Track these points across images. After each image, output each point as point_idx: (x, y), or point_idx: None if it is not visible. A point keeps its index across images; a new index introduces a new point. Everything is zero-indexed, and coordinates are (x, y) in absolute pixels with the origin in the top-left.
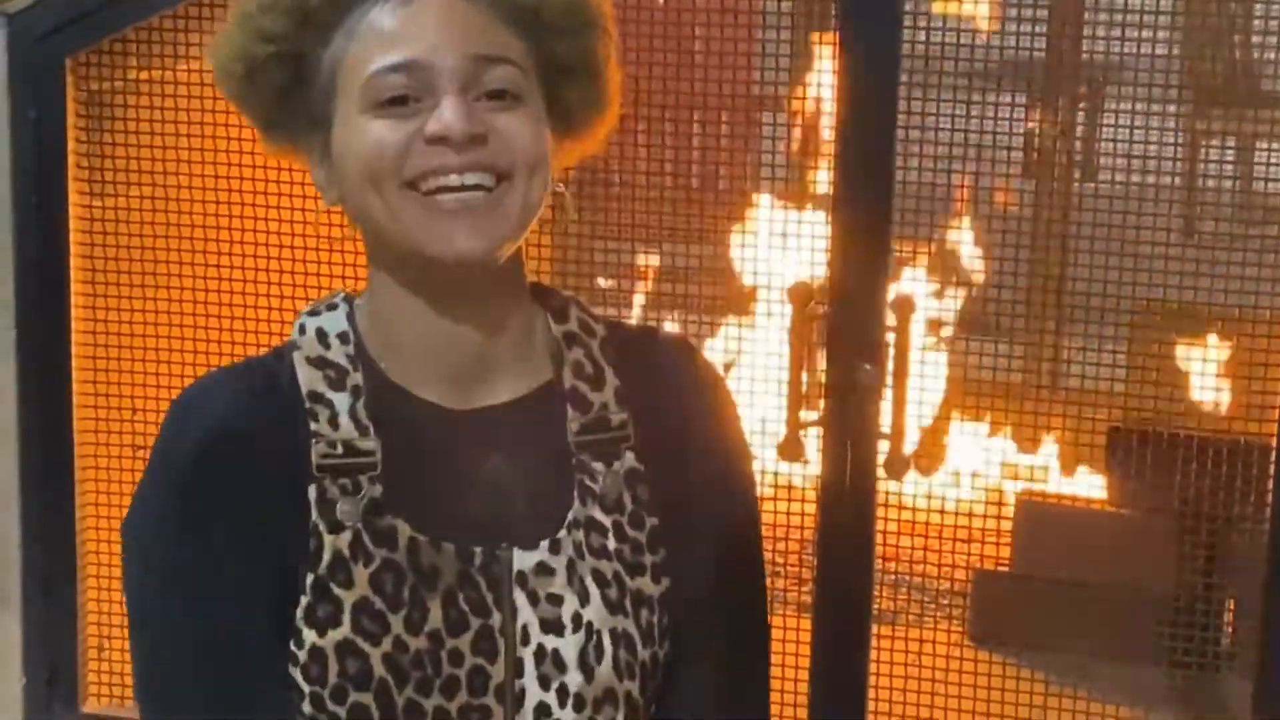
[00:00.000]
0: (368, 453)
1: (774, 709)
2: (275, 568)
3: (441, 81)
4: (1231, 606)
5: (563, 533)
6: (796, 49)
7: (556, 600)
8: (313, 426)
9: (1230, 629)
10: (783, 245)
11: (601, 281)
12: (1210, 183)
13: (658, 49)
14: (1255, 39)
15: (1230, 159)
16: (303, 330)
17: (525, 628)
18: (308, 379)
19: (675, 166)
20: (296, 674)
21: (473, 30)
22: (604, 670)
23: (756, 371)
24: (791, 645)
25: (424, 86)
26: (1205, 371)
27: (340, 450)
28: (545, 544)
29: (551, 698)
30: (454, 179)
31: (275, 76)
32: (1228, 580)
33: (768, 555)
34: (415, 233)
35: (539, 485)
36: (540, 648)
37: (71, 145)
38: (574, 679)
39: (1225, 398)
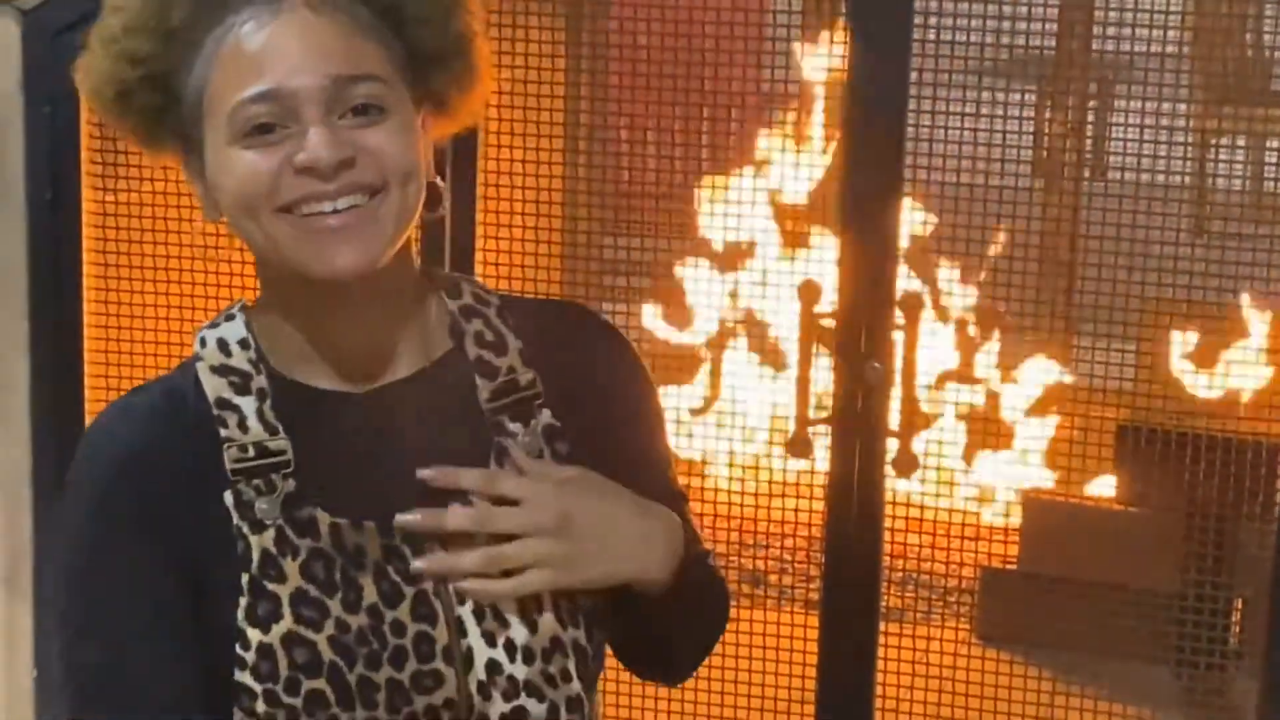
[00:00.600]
0: (279, 452)
1: (782, 706)
2: (197, 579)
3: (305, 107)
4: (1239, 606)
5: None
6: (806, 46)
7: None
8: (223, 433)
9: (1238, 628)
10: (792, 242)
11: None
12: (1220, 181)
13: (668, 46)
14: (1267, 37)
15: (1240, 158)
16: (204, 343)
17: (456, 587)
18: (213, 387)
19: (684, 164)
20: (246, 676)
21: (335, 50)
22: (547, 620)
23: (764, 370)
24: (799, 642)
25: (288, 113)
26: (1215, 370)
27: (252, 453)
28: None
29: (500, 653)
30: (327, 205)
31: (146, 98)
32: (1235, 579)
33: (775, 552)
34: (295, 256)
35: (451, 451)
36: (478, 605)
37: (85, 140)
38: (519, 632)
39: (1235, 396)
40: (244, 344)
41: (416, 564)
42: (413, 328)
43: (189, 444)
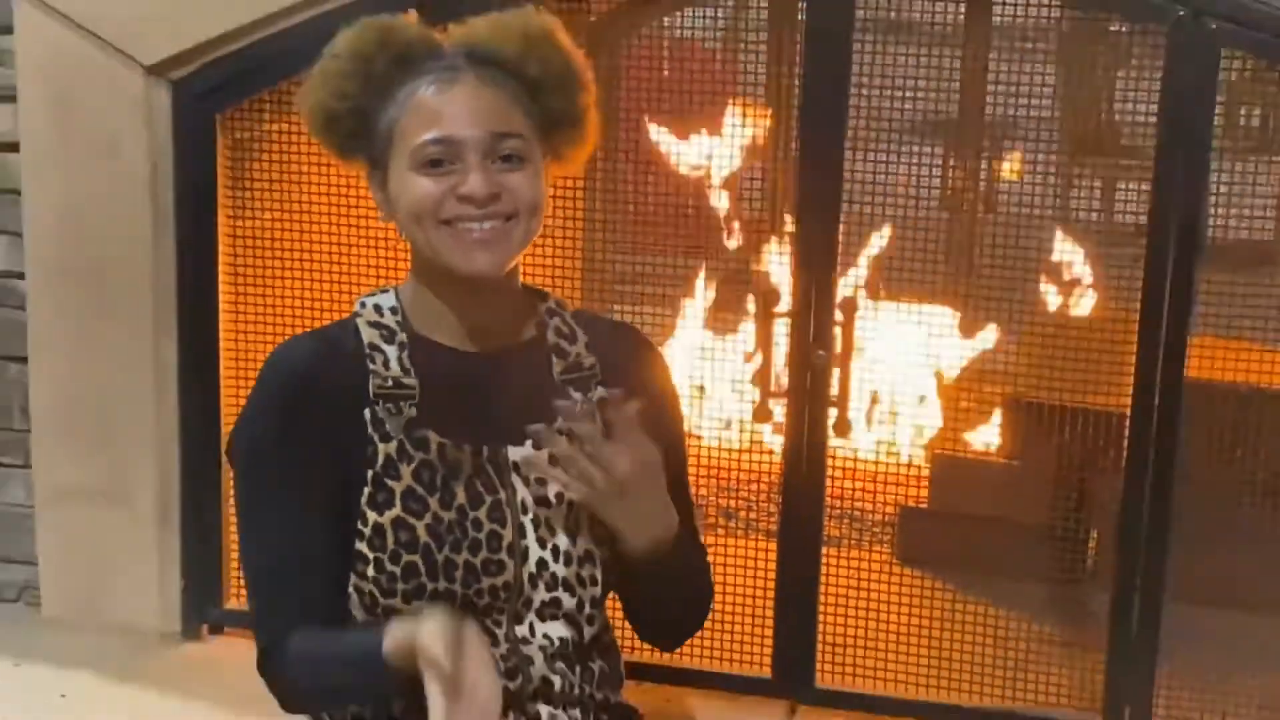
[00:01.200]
0: (409, 387)
1: (743, 615)
2: (344, 470)
3: (469, 151)
4: (1095, 537)
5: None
6: (759, 112)
7: (542, 481)
8: (371, 367)
9: (1093, 553)
10: (756, 259)
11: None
12: (1081, 215)
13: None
14: (1118, 105)
15: (1098, 196)
16: (363, 305)
17: (523, 501)
18: (368, 335)
19: (678, 197)
20: (363, 546)
21: (494, 111)
22: (584, 536)
23: (738, 356)
24: (760, 564)
25: (456, 155)
26: (1075, 357)
27: (390, 383)
28: (529, 442)
29: (548, 554)
30: (475, 225)
31: (346, 125)
32: (1092, 516)
33: (744, 494)
34: (449, 258)
35: (532, 406)
36: (537, 516)
37: (220, 179)
38: (563, 540)
39: (1091, 376)
40: (393, 310)
41: (515, 454)
42: (514, 318)
43: (344, 371)
